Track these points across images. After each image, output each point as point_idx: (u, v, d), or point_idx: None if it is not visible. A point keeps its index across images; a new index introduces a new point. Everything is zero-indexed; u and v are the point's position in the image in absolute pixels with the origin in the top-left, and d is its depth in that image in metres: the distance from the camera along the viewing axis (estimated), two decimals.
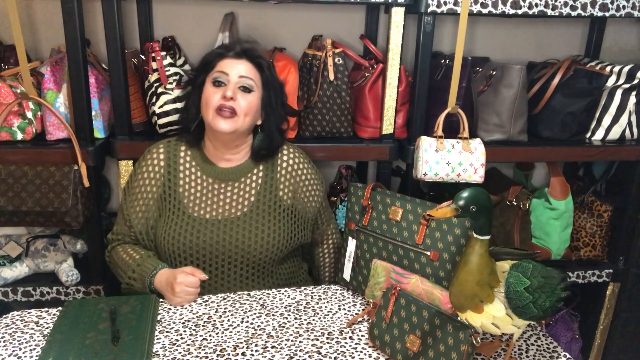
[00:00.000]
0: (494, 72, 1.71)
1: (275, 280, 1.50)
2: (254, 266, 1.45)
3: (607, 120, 1.79)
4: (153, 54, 1.62)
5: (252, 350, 1.20)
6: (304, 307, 1.38)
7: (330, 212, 1.65)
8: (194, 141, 1.47)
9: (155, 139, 1.63)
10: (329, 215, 1.64)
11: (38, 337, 1.23)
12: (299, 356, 1.18)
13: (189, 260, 1.42)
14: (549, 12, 1.59)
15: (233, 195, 1.45)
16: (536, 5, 1.59)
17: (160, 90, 1.63)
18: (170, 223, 1.42)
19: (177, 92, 1.62)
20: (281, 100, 1.49)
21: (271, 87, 1.43)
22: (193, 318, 1.31)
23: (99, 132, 1.64)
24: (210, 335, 1.25)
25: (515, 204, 1.80)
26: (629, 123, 1.79)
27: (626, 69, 1.74)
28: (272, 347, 1.21)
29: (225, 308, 1.35)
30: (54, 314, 1.31)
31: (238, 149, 1.46)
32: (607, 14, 1.61)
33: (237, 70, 1.38)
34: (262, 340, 1.24)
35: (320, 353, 1.20)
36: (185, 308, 1.35)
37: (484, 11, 1.59)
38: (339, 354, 1.20)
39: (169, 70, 1.63)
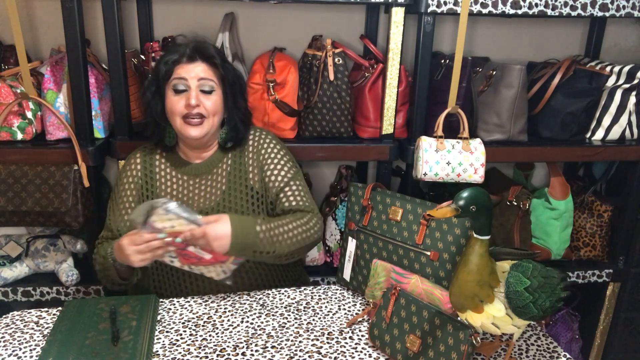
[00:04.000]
0: (494, 72, 1.71)
1: (265, 268, 1.49)
2: None
3: (607, 120, 1.79)
4: (153, 54, 1.63)
5: (252, 350, 1.20)
6: (304, 307, 1.38)
7: (313, 204, 1.47)
8: (167, 147, 1.49)
9: None
10: (306, 202, 1.45)
11: (38, 337, 1.23)
12: (299, 356, 1.18)
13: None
14: (549, 12, 1.59)
15: (207, 187, 1.47)
16: (536, 5, 1.59)
17: None
18: None
19: None
20: (241, 91, 1.49)
21: (228, 83, 1.43)
22: (193, 318, 1.31)
23: (99, 132, 1.64)
24: (210, 335, 1.25)
25: (515, 204, 1.80)
26: (629, 123, 1.79)
27: (626, 69, 1.74)
28: (272, 347, 1.21)
29: (225, 308, 1.35)
30: (54, 314, 1.31)
31: (211, 147, 1.49)
32: (607, 14, 1.61)
33: (195, 73, 1.38)
34: (262, 340, 1.24)
35: (320, 353, 1.20)
36: (185, 308, 1.35)
37: (484, 11, 1.59)
38: (339, 354, 1.20)
39: None
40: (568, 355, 1.23)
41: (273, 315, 1.34)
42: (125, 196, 1.48)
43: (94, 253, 1.50)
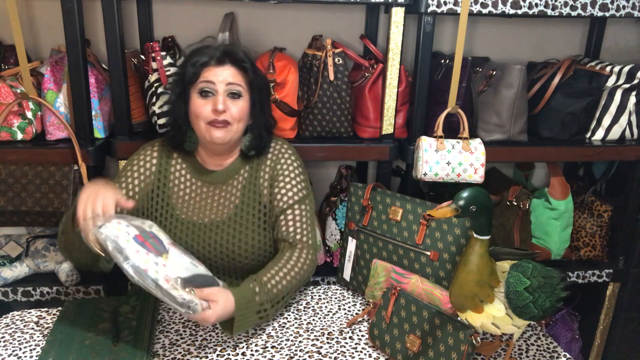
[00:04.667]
0: (494, 72, 1.71)
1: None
2: (242, 273, 1.43)
3: (607, 120, 1.79)
4: (153, 54, 1.62)
5: (252, 350, 1.20)
6: (304, 307, 1.38)
7: (311, 233, 1.41)
8: (186, 152, 1.44)
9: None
10: (303, 231, 1.40)
11: (38, 337, 1.23)
12: (299, 356, 1.19)
13: None
14: (549, 12, 1.59)
15: (220, 198, 1.43)
16: (536, 5, 1.59)
17: (160, 90, 1.63)
18: (159, 224, 1.40)
19: None
20: (267, 98, 1.46)
21: (257, 88, 1.39)
22: None
23: (99, 132, 1.64)
24: (210, 335, 1.25)
25: (515, 204, 1.80)
26: (629, 123, 1.79)
27: (626, 69, 1.74)
28: (272, 347, 1.21)
29: None
30: (54, 314, 1.31)
31: (231, 154, 1.45)
32: (607, 14, 1.61)
33: (223, 77, 1.34)
34: (262, 340, 1.24)
35: (320, 353, 1.20)
36: None
37: (484, 11, 1.59)
38: (339, 354, 1.20)
39: (169, 70, 1.63)
40: (568, 355, 1.23)
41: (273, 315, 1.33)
42: (130, 183, 1.42)
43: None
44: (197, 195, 1.44)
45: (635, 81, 1.73)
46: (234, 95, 1.35)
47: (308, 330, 1.28)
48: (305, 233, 1.39)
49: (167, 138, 1.45)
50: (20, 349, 1.19)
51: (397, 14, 1.59)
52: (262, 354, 1.19)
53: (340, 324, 1.32)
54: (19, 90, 1.55)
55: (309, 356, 1.19)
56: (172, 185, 1.44)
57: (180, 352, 1.19)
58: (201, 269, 1.19)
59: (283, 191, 1.41)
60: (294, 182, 1.42)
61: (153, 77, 1.64)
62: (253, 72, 1.38)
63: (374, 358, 1.20)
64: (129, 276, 1.05)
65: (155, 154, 1.46)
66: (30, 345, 1.20)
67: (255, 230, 1.41)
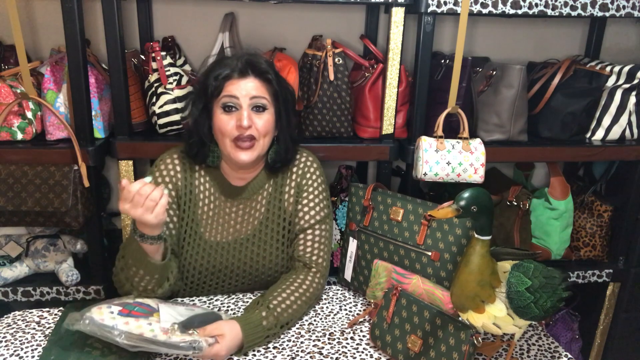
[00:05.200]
0: (494, 72, 1.71)
1: (268, 268, 1.44)
2: (263, 288, 1.43)
3: (607, 120, 1.79)
4: (153, 54, 1.62)
5: (253, 350, 1.20)
6: None
7: (327, 254, 1.42)
8: (209, 165, 1.40)
9: (155, 139, 1.63)
10: (320, 252, 1.40)
11: (39, 337, 1.23)
12: (301, 357, 1.18)
13: (196, 278, 1.40)
14: (549, 12, 1.60)
15: (245, 214, 1.41)
16: (536, 5, 1.59)
17: (160, 90, 1.63)
18: (183, 242, 1.39)
19: (177, 92, 1.62)
20: (293, 108, 1.42)
21: (282, 98, 1.36)
22: None
23: (99, 132, 1.63)
24: None
25: (515, 204, 1.80)
26: (629, 123, 1.79)
27: (626, 69, 1.74)
28: (274, 347, 1.21)
29: (227, 307, 1.35)
30: (55, 314, 1.31)
31: (255, 167, 1.42)
32: (607, 14, 1.61)
33: (246, 91, 1.30)
34: None
35: (321, 353, 1.20)
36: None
37: (484, 11, 1.59)
38: (340, 354, 1.20)
39: (169, 70, 1.63)
40: (569, 356, 1.23)
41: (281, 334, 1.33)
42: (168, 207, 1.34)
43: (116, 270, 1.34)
44: (221, 210, 1.41)
45: (635, 81, 1.73)
46: (259, 109, 1.31)
47: (309, 331, 1.28)
48: (321, 255, 1.39)
49: (191, 155, 1.40)
50: (22, 348, 1.18)
51: (397, 14, 1.59)
52: (263, 354, 1.19)
53: (342, 325, 1.32)
54: (19, 90, 1.54)
55: (311, 357, 1.19)
56: (197, 199, 1.40)
57: None
58: (198, 310, 1.22)
59: (306, 209, 1.40)
60: (317, 200, 1.41)
61: (153, 77, 1.64)
62: (277, 82, 1.34)
63: (375, 358, 1.20)
64: (129, 348, 1.08)
65: (178, 167, 1.41)
66: (31, 345, 1.20)
67: (280, 248, 1.40)
